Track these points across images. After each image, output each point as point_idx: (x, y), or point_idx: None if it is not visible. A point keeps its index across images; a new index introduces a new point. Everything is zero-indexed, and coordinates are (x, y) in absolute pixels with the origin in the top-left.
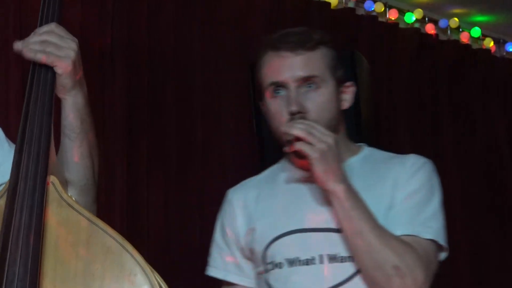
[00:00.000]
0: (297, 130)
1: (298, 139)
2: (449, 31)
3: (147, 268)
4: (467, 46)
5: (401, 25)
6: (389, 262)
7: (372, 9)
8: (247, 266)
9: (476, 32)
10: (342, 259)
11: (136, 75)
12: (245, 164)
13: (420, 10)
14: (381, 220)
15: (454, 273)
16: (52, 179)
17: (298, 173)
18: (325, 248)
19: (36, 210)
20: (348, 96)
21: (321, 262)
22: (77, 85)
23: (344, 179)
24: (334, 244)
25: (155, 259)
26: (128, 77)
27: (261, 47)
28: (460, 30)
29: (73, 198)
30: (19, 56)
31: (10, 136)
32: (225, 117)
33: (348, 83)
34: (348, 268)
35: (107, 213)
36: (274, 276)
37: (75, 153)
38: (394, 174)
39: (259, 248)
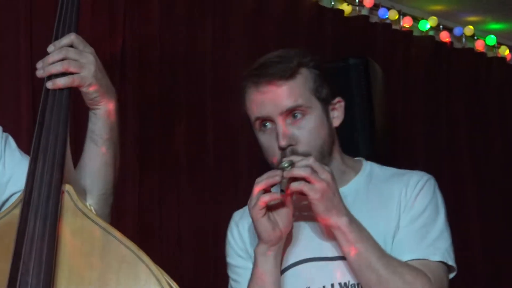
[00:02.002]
0: (295, 171)
1: (294, 178)
2: (464, 39)
3: (163, 278)
4: (482, 54)
5: (415, 33)
6: None
7: (386, 16)
8: None
9: (491, 40)
10: (353, 287)
11: (147, 80)
12: (257, 168)
13: (434, 17)
14: (390, 244)
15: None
16: (67, 188)
17: (299, 206)
18: (335, 276)
19: (50, 220)
20: (338, 113)
21: None
22: (106, 94)
23: (345, 212)
24: (344, 272)
25: (168, 265)
26: (139, 82)
27: (243, 81)
28: (475, 38)
29: (90, 207)
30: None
31: (21, 146)
32: (236, 122)
33: (335, 100)
34: None
35: (119, 218)
36: None
37: (98, 160)
38: (398, 196)
39: None
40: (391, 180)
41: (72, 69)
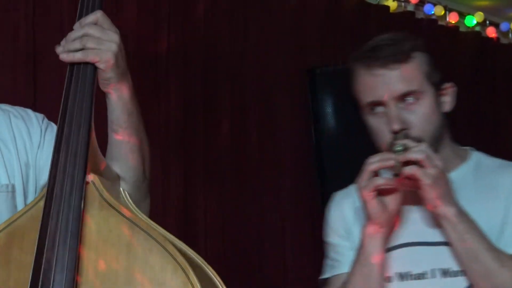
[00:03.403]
0: (411, 154)
1: (406, 162)
2: (510, 35)
3: (189, 270)
4: None
5: (462, 29)
6: (507, 285)
7: (432, 12)
8: None
9: None
10: (455, 274)
11: (191, 80)
12: (301, 170)
13: (481, 13)
14: (495, 235)
15: None
16: (92, 178)
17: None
18: (437, 262)
19: (73, 213)
20: (448, 98)
21: (433, 276)
22: (121, 78)
23: (454, 202)
24: (446, 258)
25: (213, 262)
26: (183, 82)
27: (352, 63)
28: None
29: (125, 193)
30: None
31: None
32: (280, 122)
33: (446, 85)
34: (461, 282)
35: (164, 215)
36: None
37: (123, 148)
38: (507, 187)
39: None
40: (499, 170)
41: (90, 45)
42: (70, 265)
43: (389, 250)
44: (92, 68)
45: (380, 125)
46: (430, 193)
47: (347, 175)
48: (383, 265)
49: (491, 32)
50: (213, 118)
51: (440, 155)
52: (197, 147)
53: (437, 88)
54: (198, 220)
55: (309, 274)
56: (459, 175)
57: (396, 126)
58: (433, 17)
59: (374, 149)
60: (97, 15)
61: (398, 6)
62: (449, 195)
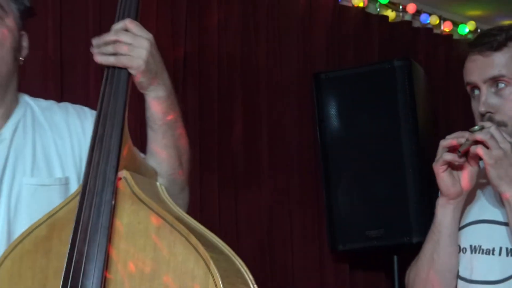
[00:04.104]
0: (478, 134)
1: (477, 141)
2: None
3: (210, 261)
4: None
5: (455, 36)
6: None
7: (428, 21)
8: None
9: None
10: None
11: (206, 84)
12: (307, 167)
13: (473, 22)
14: None
15: None
16: (124, 174)
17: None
18: (506, 241)
19: (104, 207)
20: None
21: (500, 254)
22: (155, 80)
23: None
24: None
25: None
26: (199, 86)
27: (465, 48)
28: None
29: (162, 187)
30: None
31: None
32: (289, 123)
33: None
34: None
35: None
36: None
37: (158, 144)
38: None
39: None
40: None
41: (122, 51)
42: (100, 256)
43: (464, 226)
44: (125, 72)
45: (475, 107)
46: (492, 172)
47: (350, 172)
48: (453, 237)
49: None
50: (227, 120)
51: None
52: (212, 147)
53: None
54: (213, 217)
55: (314, 263)
56: None
57: (482, 109)
58: (429, 26)
59: (375, 148)
60: (126, 22)
61: (397, 16)
62: (510, 177)
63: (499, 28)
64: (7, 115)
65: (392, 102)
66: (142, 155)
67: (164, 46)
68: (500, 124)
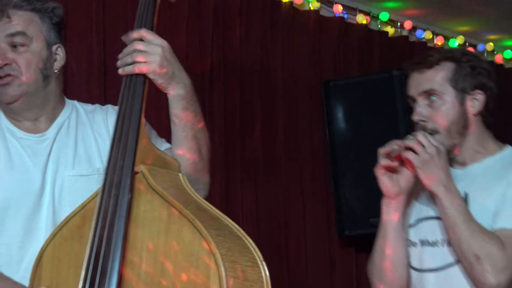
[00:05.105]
0: (407, 141)
1: (408, 148)
2: (485, 54)
3: (212, 243)
4: (500, 66)
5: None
6: (471, 251)
7: (422, 36)
8: None
9: (508, 54)
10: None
11: (230, 91)
12: (318, 165)
13: (462, 36)
14: (491, 216)
15: None
16: (141, 168)
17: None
18: (445, 233)
19: (121, 199)
20: (476, 103)
21: (442, 245)
22: (173, 80)
23: (445, 183)
24: None
25: None
26: (223, 93)
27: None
28: (495, 52)
29: (183, 177)
30: None
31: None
32: (302, 126)
33: (475, 91)
34: None
35: None
36: (410, 252)
37: (179, 136)
38: (508, 175)
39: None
40: None
41: (139, 59)
42: (118, 241)
43: (416, 222)
44: (141, 77)
45: (413, 118)
46: (422, 174)
47: (355, 167)
48: (398, 233)
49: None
50: (248, 122)
51: (464, 147)
52: (235, 148)
53: (463, 93)
54: (236, 210)
55: (323, 246)
56: (481, 167)
57: (415, 118)
58: (423, 40)
59: (377, 146)
60: (140, 32)
61: (395, 31)
62: (439, 176)
63: (433, 51)
64: (52, 119)
65: (391, 107)
66: (168, 145)
67: (192, 58)
68: (434, 132)
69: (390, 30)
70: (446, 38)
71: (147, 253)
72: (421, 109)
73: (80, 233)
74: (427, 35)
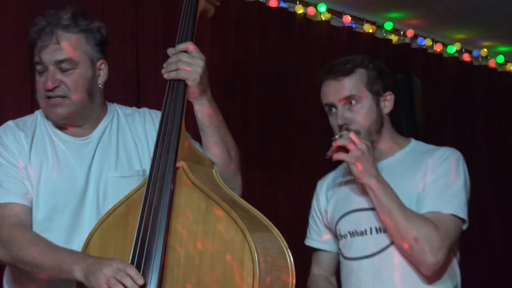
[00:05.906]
0: (339, 141)
1: (339, 148)
2: (480, 59)
3: (247, 231)
4: (493, 70)
5: (445, 55)
6: (410, 235)
7: (423, 43)
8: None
9: (500, 59)
10: (384, 230)
11: (250, 96)
12: (330, 160)
13: (458, 43)
14: (415, 200)
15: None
16: (182, 164)
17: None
18: (373, 222)
19: (164, 191)
20: (387, 103)
21: (371, 233)
22: (203, 92)
23: (375, 175)
24: (378, 219)
25: None
26: (244, 97)
27: (319, 77)
28: (488, 58)
29: (216, 173)
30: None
31: None
32: (314, 123)
33: (386, 93)
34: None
35: None
36: (342, 244)
37: (209, 141)
38: (426, 163)
39: (332, 224)
40: (426, 153)
41: (182, 67)
42: (161, 229)
43: (342, 216)
44: (183, 84)
45: (334, 122)
46: (355, 169)
47: None
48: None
49: (466, 57)
50: (267, 123)
51: (381, 143)
52: (255, 146)
53: (377, 95)
54: (256, 202)
55: None
56: (395, 159)
57: (340, 122)
58: (424, 47)
59: None
60: (187, 45)
61: (399, 39)
62: (370, 170)
63: (347, 59)
64: (95, 125)
65: (395, 107)
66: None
67: (216, 66)
68: (357, 132)
69: (394, 38)
70: (445, 45)
71: (187, 239)
72: (344, 114)
73: (125, 221)
74: (427, 42)
